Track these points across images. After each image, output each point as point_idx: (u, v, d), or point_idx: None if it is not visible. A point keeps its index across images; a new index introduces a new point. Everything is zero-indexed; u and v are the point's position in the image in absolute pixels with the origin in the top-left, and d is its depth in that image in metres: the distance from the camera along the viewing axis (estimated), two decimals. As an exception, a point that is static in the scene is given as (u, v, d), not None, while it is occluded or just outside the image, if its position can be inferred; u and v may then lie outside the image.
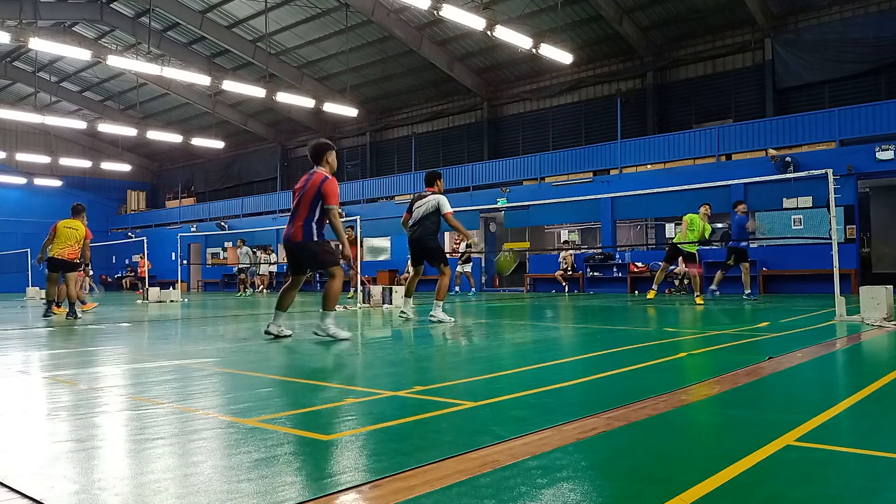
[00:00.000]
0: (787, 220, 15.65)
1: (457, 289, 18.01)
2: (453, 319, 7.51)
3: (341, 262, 5.96)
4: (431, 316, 7.45)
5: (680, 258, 12.00)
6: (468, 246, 6.59)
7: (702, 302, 10.99)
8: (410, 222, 7.82)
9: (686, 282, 15.59)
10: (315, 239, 5.62)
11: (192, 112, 30.54)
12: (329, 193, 5.61)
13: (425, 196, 7.78)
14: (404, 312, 7.90)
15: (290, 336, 5.86)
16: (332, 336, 5.50)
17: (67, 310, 9.56)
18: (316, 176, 5.70)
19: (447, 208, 7.64)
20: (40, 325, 8.33)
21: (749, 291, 12.20)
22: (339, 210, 6.08)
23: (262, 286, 22.24)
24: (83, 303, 11.80)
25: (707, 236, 11.62)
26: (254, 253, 22.41)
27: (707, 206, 11.87)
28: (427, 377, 3.87)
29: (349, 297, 15.29)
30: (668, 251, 12.13)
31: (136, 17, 24.09)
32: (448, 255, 24.58)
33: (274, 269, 24.34)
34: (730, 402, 2.94)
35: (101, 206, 36.39)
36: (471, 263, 18.11)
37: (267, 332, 5.80)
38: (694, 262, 11.60)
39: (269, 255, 22.62)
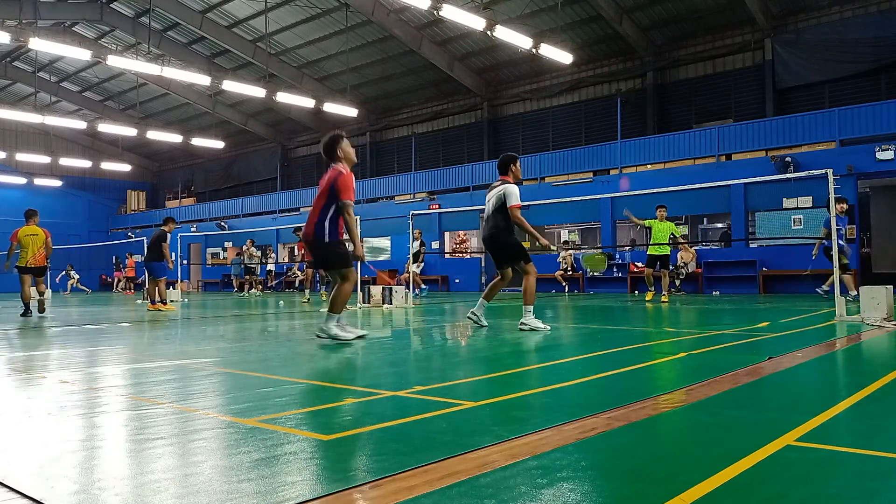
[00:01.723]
0: (787, 220, 15.65)
1: (426, 289, 17.77)
2: (548, 327, 6.38)
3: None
4: (522, 324, 6.32)
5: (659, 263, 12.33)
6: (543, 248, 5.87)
7: (666, 300, 11.87)
8: (484, 219, 6.87)
9: (679, 280, 16.30)
10: (327, 240, 5.40)
11: (192, 112, 30.55)
12: (342, 188, 5.31)
13: (496, 186, 6.66)
14: (475, 314, 6.82)
15: (366, 335, 5.72)
16: (334, 338, 5.38)
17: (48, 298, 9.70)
18: (331, 172, 5.46)
19: (514, 200, 6.41)
20: (44, 324, 8.33)
21: (855, 293, 10.81)
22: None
23: (259, 286, 22.26)
24: (164, 302, 11.64)
25: (677, 234, 12.07)
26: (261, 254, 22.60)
27: (661, 208, 12.17)
28: (427, 377, 3.87)
29: (304, 302, 14.00)
30: (647, 259, 12.56)
31: (136, 17, 24.10)
32: (447, 255, 24.00)
33: (272, 268, 24.38)
34: (730, 402, 2.93)
35: (101, 206, 36.39)
36: (422, 264, 17.62)
37: (320, 334, 5.56)
38: (666, 265, 12.33)
39: (269, 255, 22.64)
